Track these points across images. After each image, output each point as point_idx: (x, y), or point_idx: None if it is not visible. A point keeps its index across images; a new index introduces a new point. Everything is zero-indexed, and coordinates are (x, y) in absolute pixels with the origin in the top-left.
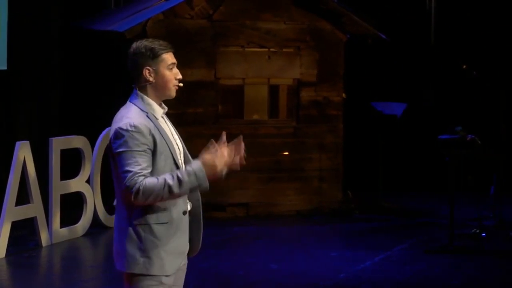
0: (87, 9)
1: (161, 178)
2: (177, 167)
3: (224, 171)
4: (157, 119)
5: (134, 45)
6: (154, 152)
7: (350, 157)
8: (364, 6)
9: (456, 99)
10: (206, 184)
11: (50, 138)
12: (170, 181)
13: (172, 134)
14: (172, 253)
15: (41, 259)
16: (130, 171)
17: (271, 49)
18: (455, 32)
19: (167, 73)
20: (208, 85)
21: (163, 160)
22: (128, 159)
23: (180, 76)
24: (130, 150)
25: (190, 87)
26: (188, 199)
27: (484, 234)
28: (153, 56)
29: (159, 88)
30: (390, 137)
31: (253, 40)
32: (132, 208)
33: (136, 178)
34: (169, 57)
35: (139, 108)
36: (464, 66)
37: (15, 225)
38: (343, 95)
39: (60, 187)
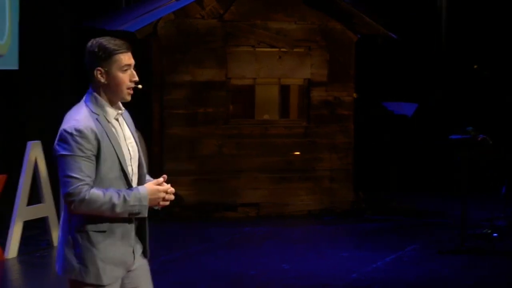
0: (98, 9)
1: (107, 194)
2: (124, 173)
3: (162, 205)
4: (109, 122)
5: (90, 42)
6: (98, 158)
7: (361, 157)
8: (374, 6)
9: (467, 99)
10: (145, 214)
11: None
12: (115, 199)
13: (125, 138)
14: (111, 263)
15: (53, 258)
16: (74, 177)
17: (282, 49)
18: (466, 32)
19: (120, 75)
20: (219, 85)
21: (107, 166)
22: (71, 164)
23: (136, 78)
24: (73, 155)
25: (201, 87)
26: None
27: (495, 235)
28: (106, 56)
29: (111, 90)
30: (401, 137)
31: (264, 40)
32: (73, 213)
33: (81, 187)
34: (123, 58)
35: (90, 110)
36: (475, 66)
37: (27, 225)
38: (354, 95)
39: None
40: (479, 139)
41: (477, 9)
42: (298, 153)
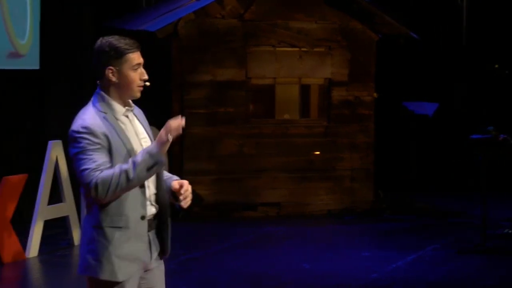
0: (119, 9)
1: (116, 167)
2: None
3: (170, 137)
4: (117, 119)
5: (99, 41)
6: (110, 152)
7: (382, 156)
8: (395, 6)
9: (488, 99)
10: (161, 158)
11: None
12: (125, 166)
13: (137, 134)
14: (126, 259)
15: (73, 258)
16: (86, 169)
17: (302, 49)
18: (487, 31)
19: (131, 73)
20: (239, 85)
21: (120, 160)
22: (83, 159)
23: (145, 77)
24: (84, 150)
25: (221, 87)
26: (156, 201)
27: None
28: (117, 55)
29: (122, 88)
30: (422, 136)
31: (284, 40)
32: (91, 210)
33: (92, 174)
34: (134, 57)
35: (97, 109)
36: (496, 66)
37: (48, 224)
38: (375, 94)
39: None
40: (500, 139)
41: (498, 8)
42: (318, 152)
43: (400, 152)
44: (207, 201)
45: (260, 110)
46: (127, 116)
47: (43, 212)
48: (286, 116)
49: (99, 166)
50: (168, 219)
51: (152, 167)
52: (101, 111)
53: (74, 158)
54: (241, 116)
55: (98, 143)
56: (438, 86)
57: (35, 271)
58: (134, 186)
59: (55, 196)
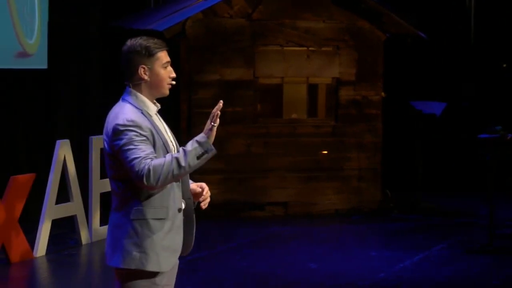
0: (127, 9)
1: (167, 156)
2: None
3: (215, 124)
4: (151, 116)
5: (129, 42)
6: (154, 146)
7: (389, 156)
8: (403, 5)
9: (496, 98)
10: (210, 146)
11: (90, 137)
12: (176, 155)
13: (166, 131)
14: (168, 250)
15: (81, 257)
16: (137, 158)
17: (310, 48)
18: (495, 31)
19: (162, 71)
20: (247, 84)
21: (161, 155)
22: (132, 149)
23: (173, 75)
24: (132, 141)
25: (229, 86)
26: (182, 197)
27: None
28: (149, 54)
29: (153, 86)
30: (429, 136)
31: (292, 39)
32: (128, 204)
33: (144, 161)
34: (164, 56)
35: (133, 105)
36: (504, 65)
37: (56, 223)
38: (382, 94)
39: (100, 185)
40: (508, 138)
41: (506, 7)
42: (325, 152)
43: (407, 151)
44: (215, 200)
45: (268, 109)
46: (157, 115)
47: (51, 211)
48: (294, 116)
49: (148, 155)
50: (193, 217)
51: (203, 155)
52: (137, 108)
53: (121, 149)
54: (249, 115)
55: (144, 136)
56: (446, 85)
57: (43, 270)
58: (184, 174)
59: (63, 196)
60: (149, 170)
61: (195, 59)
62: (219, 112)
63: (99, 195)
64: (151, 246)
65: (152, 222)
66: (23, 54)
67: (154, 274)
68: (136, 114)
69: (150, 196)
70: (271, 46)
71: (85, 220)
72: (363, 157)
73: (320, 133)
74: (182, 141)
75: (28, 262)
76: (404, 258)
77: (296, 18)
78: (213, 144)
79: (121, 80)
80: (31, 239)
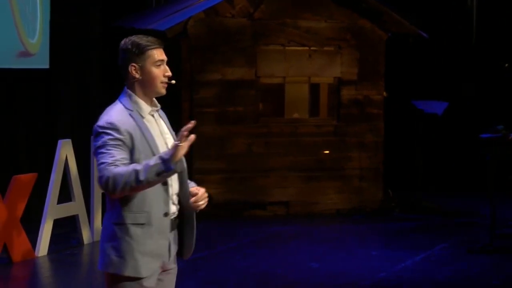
0: (129, 8)
1: (131, 165)
2: None
3: (181, 143)
4: (143, 117)
5: (123, 41)
6: (132, 151)
7: (391, 156)
8: (404, 4)
9: (498, 98)
10: (172, 165)
11: (92, 136)
12: (138, 167)
13: (161, 133)
14: (148, 255)
15: (83, 256)
16: (103, 163)
17: (311, 48)
18: (497, 30)
19: (154, 70)
20: (249, 84)
21: (143, 158)
22: (102, 153)
23: (169, 73)
24: (105, 145)
25: (231, 86)
26: (179, 201)
27: None
28: (139, 52)
29: (146, 85)
30: (431, 136)
31: (293, 39)
32: (113, 206)
33: (107, 168)
34: (156, 53)
35: (124, 106)
36: (506, 65)
37: (57, 223)
38: (384, 93)
39: None
40: (509, 138)
41: (508, 7)
42: (327, 151)
43: (409, 151)
44: (216, 200)
45: (270, 109)
46: (152, 116)
47: (52, 211)
48: (296, 115)
49: (115, 161)
50: (193, 221)
51: (162, 172)
52: (128, 109)
53: (95, 152)
54: (251, 115)
55: (120, 139)
56: (448, 85)
57: (45, 270)
58: (143, 188)
59: (65, 195)
60: (108, 178)
61: (196, 58)
62: (185, 133)
63: (100, 194)
64: (129, 252)
65: (130, 227)
66: (25, 54)
67: (135, 279)
68: (121, 116)
69: (128, 200)
70: (273, 45)
71: (86, 219)
72: (365, 156)
73: (322, 132)
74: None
75: (30, 261)
76: (405, 257)
77: (298, 17)
78: (214, 143)
79: (121, 80)
80: (33, 239)
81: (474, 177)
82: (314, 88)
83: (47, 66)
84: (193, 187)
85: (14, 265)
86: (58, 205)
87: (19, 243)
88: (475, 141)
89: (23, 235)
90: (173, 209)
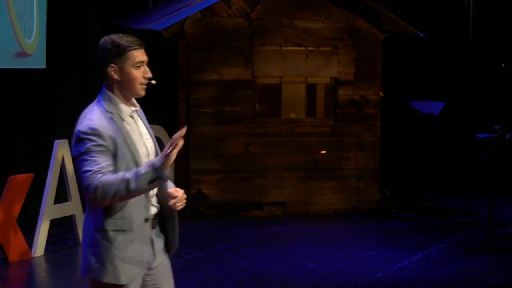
0: (126, 9)
1: (119, 174)
2: None
3: (172, 151)
4: (123, 120)
5: (103, 39)
6: (115, 155)
7: (388, 156)
8: (402, 4)
9: (495, 98)
10: (163, 173)
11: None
12: (128, 175)
13: (141, 135)
14: (129, 262)
15: (80, 256)
16: (89, 171)
17: (308, 48)
18: (494, 30)
19: (133, 71)
20: (246, 84)
21: (124, 164)
22: (87, 160)
23: (149, 75)
24: (89, 151)
25: (228, 86)
26: (158, 202)
27: None
28: (119, 53)
29: (125, 86)
30: (428, 136)
31: (290, 39)
32: (94, 211)
33: (94, 176)
34: (137, 55)
35: (104, 108)
36: (503, 65)
37: (54, 223)
38: (381, 93)
39: None
40: (506, 138)
41: (505, 7)
42: (324, 152)
43: (406, 151)
44: (213, 200)
45: (266, 109)
46: (132, 117)
47: (49, 211)
48: (293, 115)
49: (102, 168)
50: (175, 216)
51: (154, 180)
52: (108, 111)
53: (78, 158)
54: (248, 115)
55: (103, 145)
56: (445, 85)
57: (41, 270)
58: (133, 197)
59: (62, 195)
60: (96, 187)
61: (193, 58)
62: (179, 143)
63: None
64: (109, 258)
65: (111, 233)
66: (22, 54)
67: (116, 286)
68: (102, 120)
69: (109, 206)
70: (270, 45)
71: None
72: (362, 156)
73: (319, 132)
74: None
75: (27, 262)
76: (403, 257)
77: (295, 17)
78: (211, 143)
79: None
80: (30, 239)
81: (472, 176)
82: (311, 88)
83: (44, 66)
84: (171, 187)
85: (10, 265)
86: (54, 205)
87: (15, 243)
88: (472, 141)
89: (20, 235)
90: (153, 211)
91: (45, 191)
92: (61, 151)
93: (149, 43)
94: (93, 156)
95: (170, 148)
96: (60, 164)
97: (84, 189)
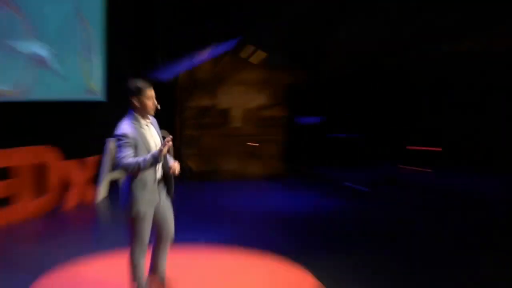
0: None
1: (137, 158)
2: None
3: (164, 148)
4: (141, 127)
5: (129, 82)
6: (136, 147)
7: (290, 145)
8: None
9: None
10: (160, 159)
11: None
12: (140, 159)
13: (152, 136)
14: (145, 204)
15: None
16: (120, 157)
17: (248, 87)
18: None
19: (147, 102)
20: (211, 108)
21: (141, 151)
22: (120, 151)
23: (156, 104)
24: (121, 146)
25: (202, 109)
26: (163, 169)
27: None
28: (138, 91)
29: (142, 110)
30: (311, 135)
31: (239, 82)
32: (127, 176)
33: (121, 159)
34: (149, 92)
35: (130, 121)
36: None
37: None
38: (284, 113)
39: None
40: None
41: None
42: (257, 144)
43: (298, 142)
44: (195, 169)
45: (224, 121)
46: (147, 125)
47: (106, 176)
48: (237, 124)
49: (127, 156)
50: (172, 178)
51: (154, 163)
52: (132, 122)
53: (116, 149)
54: (213, 125)
55: (129, 142)
56: (319, 106)
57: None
58: (144, 170)
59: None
60: (122, 165)
61: (183, 94)
62: (169, 143)
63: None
64: (134, 201)
65: (134, 187)
66: (90, 92)
67: (138, 215)
68: (128, 127)
69: (134, 173)
70: (225, 87)
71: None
72: (274, 147)
73: (252, 135)
74: (175, 138)
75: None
76: (299, 196)
77: (241, 71)
78: (194, 140)
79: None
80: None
81: (329, 155)
82: (247, 111)
83: (105, 100)
84: (172, 162)
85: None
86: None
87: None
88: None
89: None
90: (159, 175)
91: (103, 165)
92: (112, 144)
93: (160, 85)
94: (122, 148)
95: (163, 146)
96: (112, 152)
97: (116, 165)
